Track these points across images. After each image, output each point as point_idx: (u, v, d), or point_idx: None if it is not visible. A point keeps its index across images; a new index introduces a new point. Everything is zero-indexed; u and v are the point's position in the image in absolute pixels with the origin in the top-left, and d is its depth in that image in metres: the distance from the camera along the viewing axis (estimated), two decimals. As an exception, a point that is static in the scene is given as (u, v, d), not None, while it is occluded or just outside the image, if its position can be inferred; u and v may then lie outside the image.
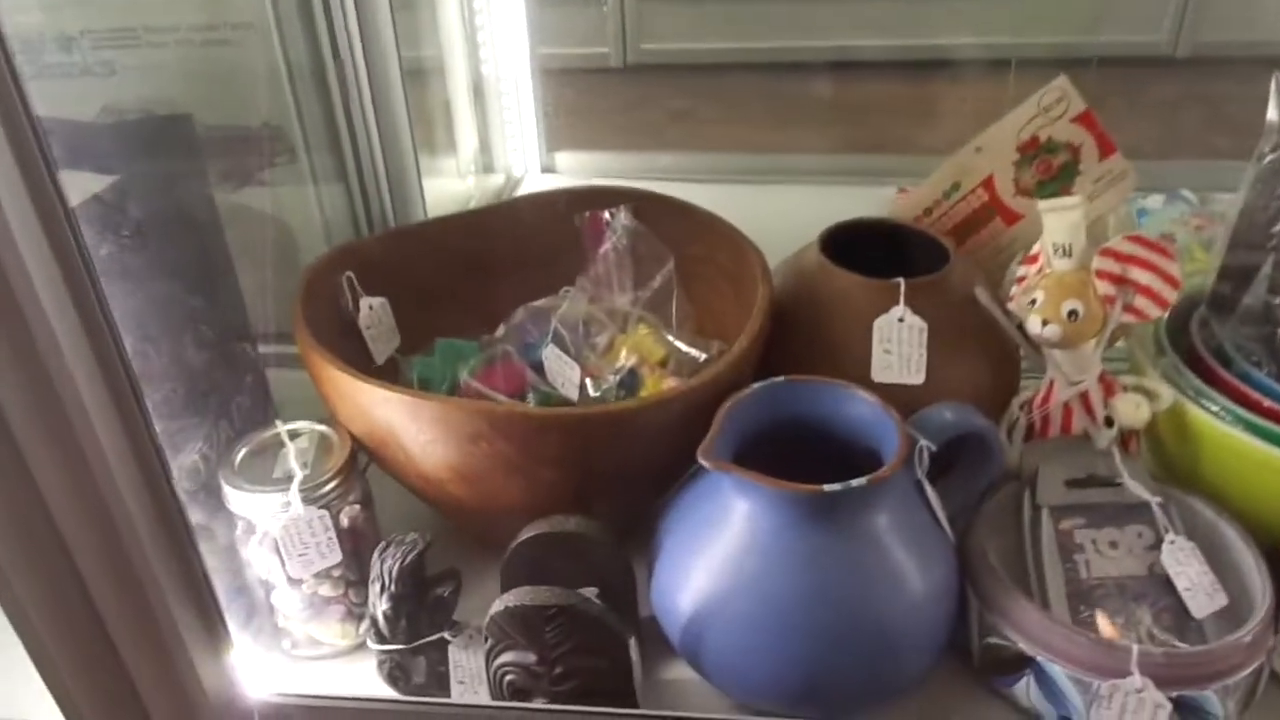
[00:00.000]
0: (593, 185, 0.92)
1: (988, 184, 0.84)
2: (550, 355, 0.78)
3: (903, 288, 0.72)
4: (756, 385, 0.67)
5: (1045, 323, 0.70)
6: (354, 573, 0.71)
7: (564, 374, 0.77)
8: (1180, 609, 0.65)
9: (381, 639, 0.67)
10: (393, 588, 0.65)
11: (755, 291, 0.76)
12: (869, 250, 0.79)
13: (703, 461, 0.60)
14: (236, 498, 0.68)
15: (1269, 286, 0.73)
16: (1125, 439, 0.73)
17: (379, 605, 0.66)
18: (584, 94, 1.90)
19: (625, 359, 0.78)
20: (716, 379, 0.67)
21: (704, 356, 0.78)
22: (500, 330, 0.84)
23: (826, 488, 0.58)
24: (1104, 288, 0.69)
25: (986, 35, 1.66)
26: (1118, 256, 0.69)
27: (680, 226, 0.85)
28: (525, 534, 0.66)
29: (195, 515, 0.66)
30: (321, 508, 0.68)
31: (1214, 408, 0.70)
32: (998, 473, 0.70)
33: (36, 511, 0.54)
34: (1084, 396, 0.72)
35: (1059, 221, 0.70)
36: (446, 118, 1.23)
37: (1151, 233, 0.85)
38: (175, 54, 0.86)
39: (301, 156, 0.93)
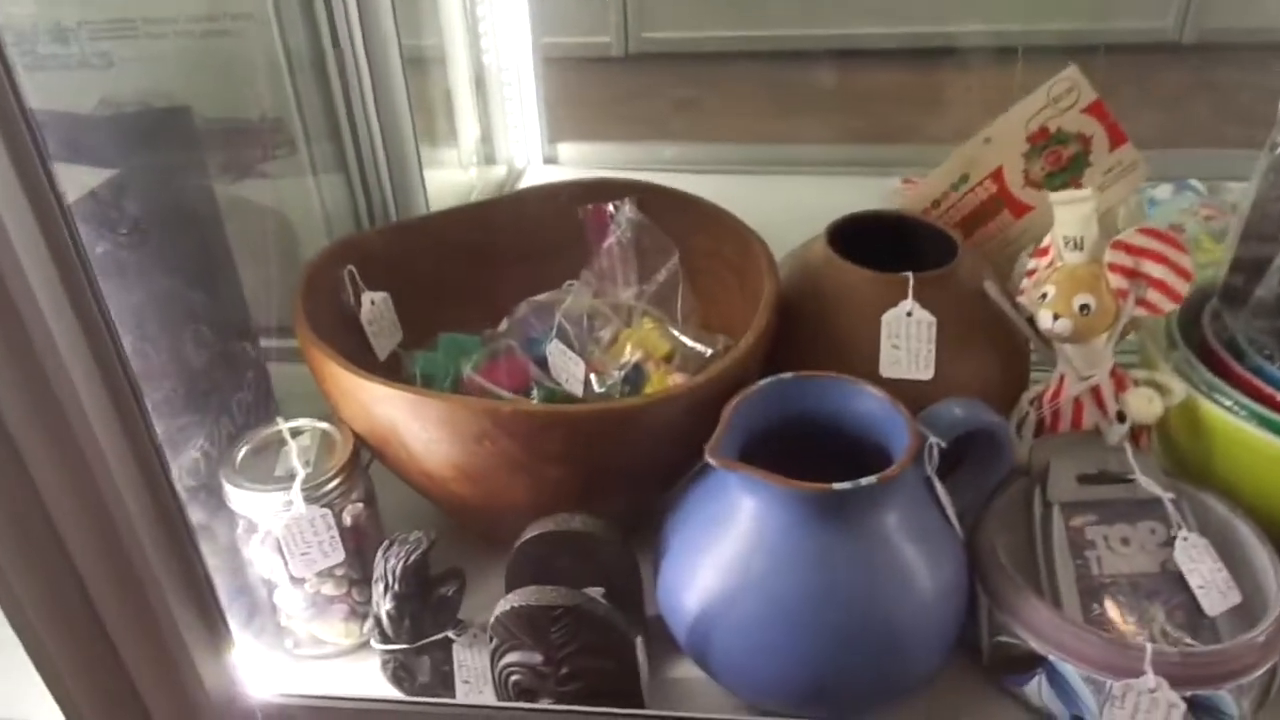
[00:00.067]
0: (596, 177, 0.91)
1: (996, 175, 0.83)
2: (554, 351, 0.77)
3: (911, 282, 0.71)
4: (763, 381, 0.66)
5: (1056, 317, 0.69)
6: (357, 571, 0.70)
7: (568, 369, 0.77)
8: (1193, 606, 0.65)
9: (385, 639, 0.67)
10: (396, 587, 0.64)
11: (761, 285, 0.75)
12: (875, 242, 0.78)
13: (710, 460, 0.59)
14: (238, 497, 0.67)
15: (1282, 279, 0.72)
16: (1136, 434, 0.72)
17: (382, 605, 0.65)
18: (585, 84, 1.89)
19: (630, 354, 0.78)
20: (723, 375, 0.66)
21: (709, 351, 0.77)
22: (503, 325, 0.83)
23: (836, 486, 0.58)
24: (1116, 281, 0.68)
25: (993, 22, 1.65)
26: (1130, 249, 0.68)
27: (685, 219, 0.84)
28: (530, 532, 0.65)
29: (196, 514, 0.66)
30: (324, 506, 0.67)
31: (1227, 402, 0.69)
32: (1007, 469, 0.69)
33: (35, 512, 0.53)
34: (1095, 391, 0.71)
35: (1070, 214, 0.69)
36: (448, 108, 1.22)
37: (1160, 223, 0.85)
38: (174, 45, 0.85)
39: (302, 148, 0.92)
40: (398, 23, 0.94)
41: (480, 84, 1.30)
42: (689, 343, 0.78)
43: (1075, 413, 0.73)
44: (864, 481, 0.58)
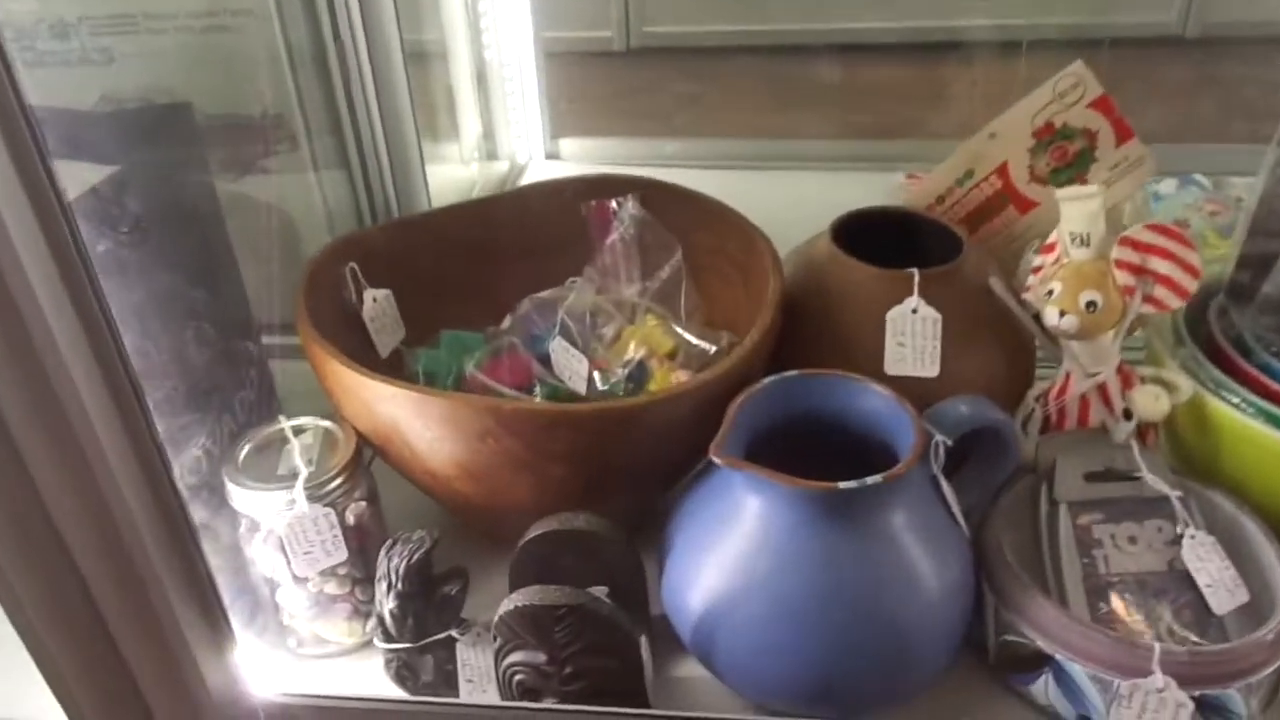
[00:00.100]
0: (599, 173, 0.90)
1: (1002, 171, 0.82)
2: (557, 348, 0.77)
3: (917, 278, 0.71)
4: (768, 379, 0.65)
5: (1063, 314, 0.68)
6: (360, 570, 0.70)
7: (571, 367, 0.76)
8: (1201, 605, 0.64)
9: (388, 638, 0.66)
10: (400, 586, 0.64)
11: (765, 282, 0.74)
12: (879, 238, 0.77)
13: (715, 459, 0.59)
14: (240, 495, 0.67)
15: (1290, 275, 0.71)
16: (1142, 431, 0.72)
17: (386, 604, 0.65)
18: (586, 79, 1.88)
19: (633, 351, 0.77)
20: (728, 373, 0.66)
21: (713, 348, 0.77)
22: (506, 322, 0.83)
23: (842, 485, 0.57)
24: (1123, 278, 0.68)
25: (996, 17, 1.64)
26: (1137, 246, 0.68)
27: (688, 215, 0.84)
28: (534, 531, 0.65)
29: (198, 513, 0.66)
30: (327, 505, 0.66)
31: (1234, 399, 0.68)
32: (1013, 467, 0.68)
33: (36, 511, 0.53)
34: (1102, 388, 0.71)
35: (1077, 210, 0.68)
36: (449, 104, 1.22)
37: (1164, 219, 0.84)
38: (175, 41, 0.84)
39: (303, 144, 0.91)
40: (399, 17, 0.94)
41: (482, 79, 1.29)
42: (693, 340, 0.78)
43: (1081, 410, 0.72)
44: (870, 480, 0.57)
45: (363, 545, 0.70)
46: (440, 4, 1.18)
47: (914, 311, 0.71)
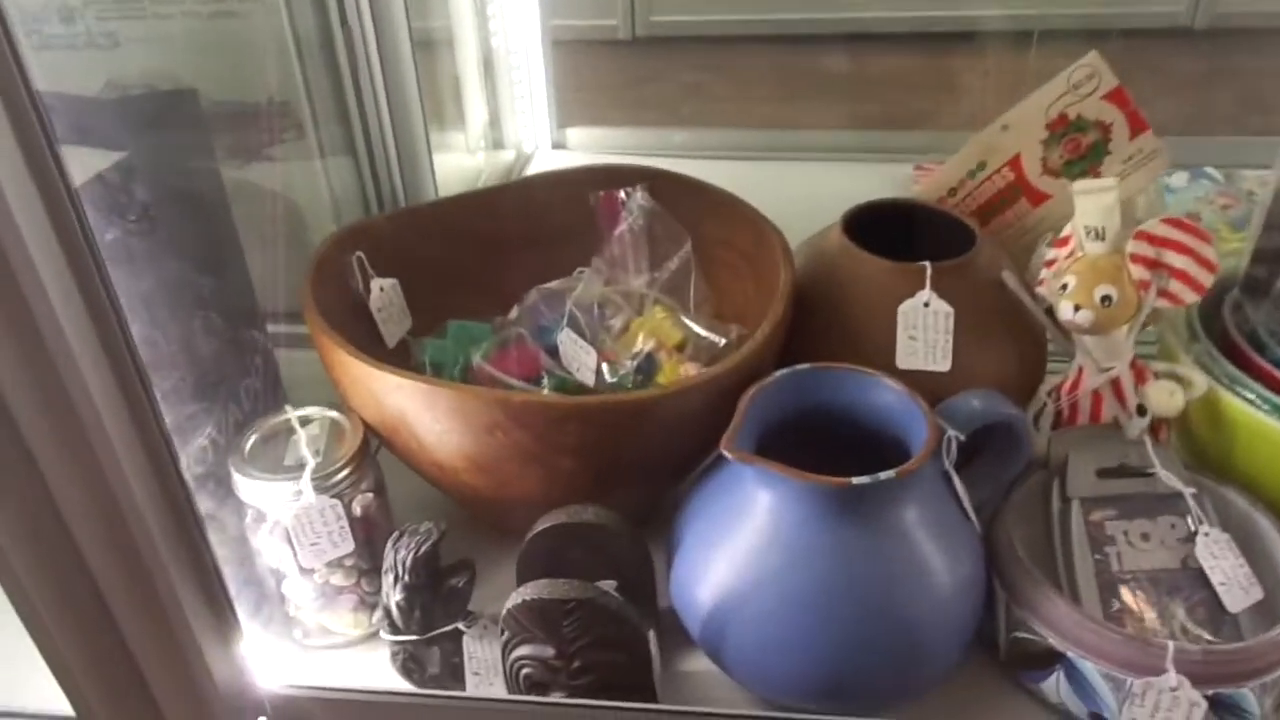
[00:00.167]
0: (607, 164, 0.90)
1: (1014, 163, 0.82)
2: (565, 340, 0.76)
3: (929, 271, 0.70)
4: (779, 373, 0.65)
5: (1077, 308, 0.68)
6: (366, 561, 0.70)
7: (579, 359, 0.76)
8: (1214, 603, 0.64)
9: (395, 630, 0.66)
10: (406, 578, 0.63)
11: (776, 274, 0.74)
12: (890, 231, 0.77)
13: (726, 453, 0.58)
14: (247, 486, 0.66)
15: (1306, 270, 0.71)
16: (1155, 427, 0.71)
17: (392, 596, 0.64)
18: (593, 67, 1.87)
19: (642, 343, 0.77)
20: (739, 366, 0.66)
21: (723, 341, 0.76)
22: (513, 312, 0.82)
23: (854, 480, 0.57)
24: (1138, 272, 0.67)
25: (1007, 6, 1.64)
26: (1152, 240, 0.67)
27: (697, 206, 0.83)
28: (542, 524, 0.64)
29: (204, 503, 0.65)
30: (334, 496, 0.66)
31: (1249, 395, 0.68)
32: (1025, 462, 0.68)
33: (42, 503, 0.53)
34: (1115, 383, 0.70)
35: (1092, 204, 0.68)
36: (456, 92, 1.21)
37: (1176, 212, 0.83)
38: (181, 26, 0.83)
39: (309, 132, 0.91)
40: (407, 4, 0.93)
41: (488, 67, 1.28)
42: (701, 332, 0.77)
43: (1094, 405, 0.72)
44: (882, 476, 0.57)
45: (369, 536, 0.69)
46: (447, -10, 1.17)
47: (926, 305, 0.70)
